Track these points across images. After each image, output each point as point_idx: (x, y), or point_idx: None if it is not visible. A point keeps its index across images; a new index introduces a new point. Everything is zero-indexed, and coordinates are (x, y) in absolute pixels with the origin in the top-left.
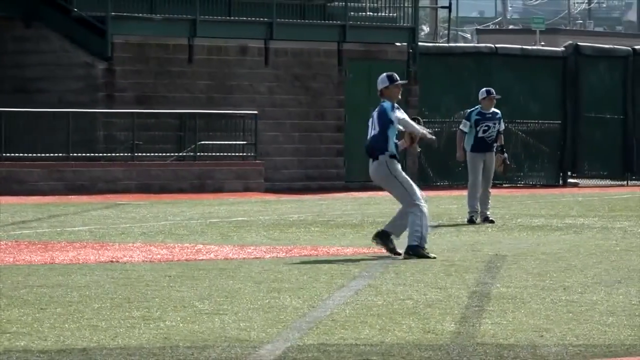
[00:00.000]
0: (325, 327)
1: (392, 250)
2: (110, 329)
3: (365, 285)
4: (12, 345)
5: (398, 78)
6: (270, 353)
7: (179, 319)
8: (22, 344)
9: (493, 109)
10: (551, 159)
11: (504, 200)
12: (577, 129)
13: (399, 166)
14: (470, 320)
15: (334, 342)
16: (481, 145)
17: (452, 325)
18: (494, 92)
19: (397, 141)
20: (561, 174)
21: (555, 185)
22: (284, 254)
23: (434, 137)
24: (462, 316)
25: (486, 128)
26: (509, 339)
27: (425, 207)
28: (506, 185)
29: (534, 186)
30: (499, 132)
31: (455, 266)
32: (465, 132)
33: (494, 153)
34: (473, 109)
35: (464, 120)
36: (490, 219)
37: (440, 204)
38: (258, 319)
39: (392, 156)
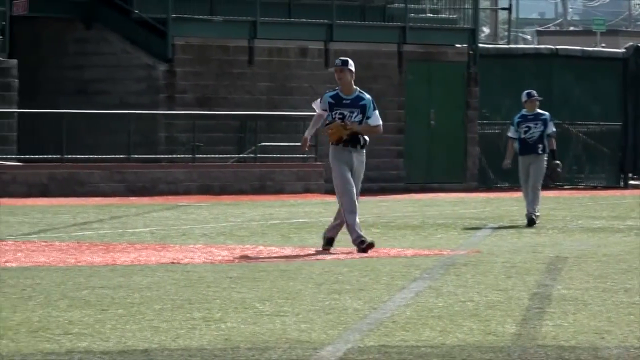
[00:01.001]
0: (385, 328)
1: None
2: (172, 330)
3: (425, 287)
4: (74, 346)
5: (339, 62)
6: (331, 354)
7: (239, 320)
8: (84, 344)
9: (538, 110)
10: (612, 160)
11: (564, 202)
12: (638, 131)
13: (342, 156)
14: (531, 322)
15: (394, 344)
16: (525, 147)
17: (513, 327)
18: (536, 94)
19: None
20: (622, 176)
21: (616, 187)
22: (344, 256)
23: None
24: (523, 318)
25: (527, 129)
26: (570, 341)
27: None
28: (567, 187)
29: (594, 188)
30: (548, 135)
31: (516, 268)
32: (513, 138)
33: (541, 155)
34: (518, 113)
35: (510, 127)
36: (534, 219)
37: (501, 206)
38: (319, 321)
39: (334, 143)
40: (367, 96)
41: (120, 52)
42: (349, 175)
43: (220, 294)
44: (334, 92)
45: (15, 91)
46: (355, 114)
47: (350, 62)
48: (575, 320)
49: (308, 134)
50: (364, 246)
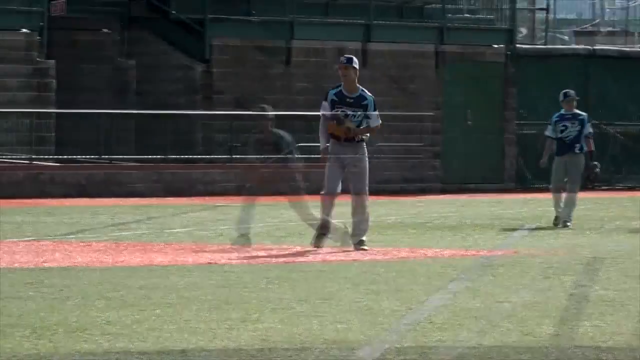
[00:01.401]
0: (423, 329)
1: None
2: (209, 331)
3: (463, 288)
4: (111, 346)
5: (344, 59)
6: (368, 355)
7: (277, 320)
8: (122, 345)
9: (575, 110)
10: None
11: (602, 203)
12: None
13: (337, 150)
14: (569, 323)
15: (431, 345)
16: (561, 147)
17: (551, 328)
18: (573, 94)
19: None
20: None
21: None
22: (381, 256)
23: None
24: (561, 319)
25: (563, 128)
26: (608, 342)
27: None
28: (604, 187)
29: (632, 188)
30: (585, 136)
31: (553, 268)
32: (551, 137)
33: (579, 155)
34: (557, 112)
35: (548, 126)
36: (568, 224)
37: (539, 207)
38: (356, 321)
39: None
40: (370, 96)
41: (158, 53)
42: (337, 172)
43: (257, 295)
44: (337, 90)
45: (53, 92)
46: (359, 113)
47: (355, 59)
48: (613, 321)
49: (323, 145)
50: (314, 242)
